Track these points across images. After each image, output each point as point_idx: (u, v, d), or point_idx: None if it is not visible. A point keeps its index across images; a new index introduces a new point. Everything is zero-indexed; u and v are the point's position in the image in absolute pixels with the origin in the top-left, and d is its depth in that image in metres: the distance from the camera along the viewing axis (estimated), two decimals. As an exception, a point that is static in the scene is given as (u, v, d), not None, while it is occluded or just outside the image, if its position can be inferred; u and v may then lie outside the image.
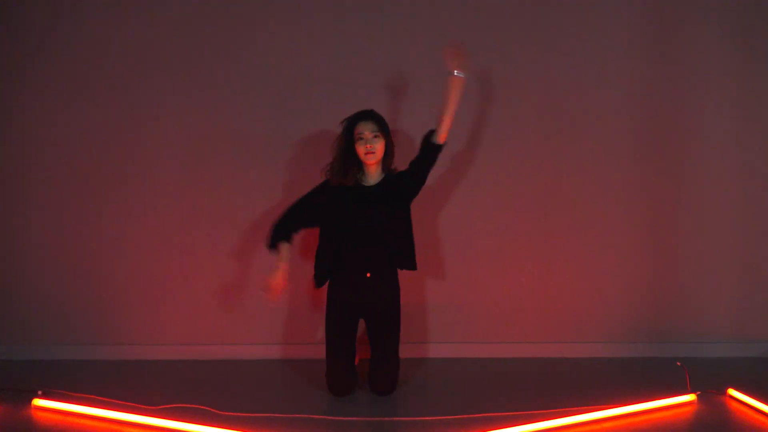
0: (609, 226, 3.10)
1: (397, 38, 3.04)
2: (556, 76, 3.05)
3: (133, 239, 3.07)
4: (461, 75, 2.45)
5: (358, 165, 2.60)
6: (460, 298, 3.11)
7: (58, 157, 3.05)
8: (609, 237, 3.10)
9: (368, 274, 2.58)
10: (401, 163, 2.65)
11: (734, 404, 2.44)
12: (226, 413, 2.29)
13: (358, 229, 2.57)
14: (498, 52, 3.04)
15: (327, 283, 2.66)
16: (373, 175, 2.61)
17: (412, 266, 2.66)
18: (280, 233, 2.63)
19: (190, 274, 3.08)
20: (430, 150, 2.55)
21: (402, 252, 2.63)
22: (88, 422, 2.28)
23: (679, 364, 2.63)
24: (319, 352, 2.70)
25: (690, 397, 2.47)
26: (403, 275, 2.70)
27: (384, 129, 2.58)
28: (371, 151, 2.52)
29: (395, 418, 2.30)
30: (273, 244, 2.62)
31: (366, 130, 2.53)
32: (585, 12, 3.04)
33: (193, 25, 3.04)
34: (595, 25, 3.05)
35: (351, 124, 2.57)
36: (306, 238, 2.89)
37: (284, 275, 2.57)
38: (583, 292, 3.11)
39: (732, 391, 2.51)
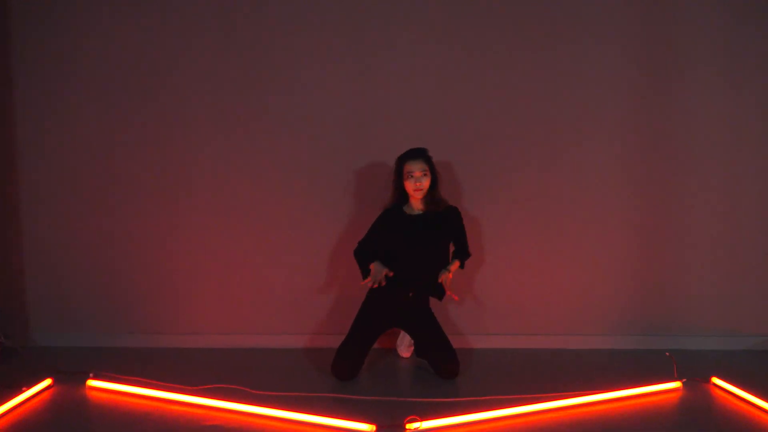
0: (605, 231, 3.25)
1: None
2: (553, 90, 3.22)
3: (174, 242, 3.26)
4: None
5: (406, 197, 2.84)
6: (471, 295, 3.29)
7: (108, 170, 3.24)
8: (605, 241, 3.26)
9: (411, 293, 2.82)
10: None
11: (717, 391, 2.62)
12: (260, 392, 2.48)
13: (405, 253, 2.80)
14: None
15: (368, 287, 2.85)
16: (419, 206, 2.83)
17: (440, 296, 2.86)
18: (366, 259, 2.85)
19: (222, 273, 3.27)
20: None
21: (435, 280, 2.83)
22: (137, 400, 2.49)
23: (668, 354, 2.86)
24: (336, 342, 2.91)
25: (676, 384, 2.66)
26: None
27: (431, 166, 2.78)
28: (419, 188, 2.74)
29: (402, 399, 2.49)
30: (365, 269, 2.84)
31: (415, 169, 2.74)
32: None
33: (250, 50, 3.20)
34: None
35: (401, 162, 2.79)
36: (339, 244, 3.11)
37: (385, 272, 2.78)
38: (581, 290, 3.27)
39: (715, 380, 2.69)
